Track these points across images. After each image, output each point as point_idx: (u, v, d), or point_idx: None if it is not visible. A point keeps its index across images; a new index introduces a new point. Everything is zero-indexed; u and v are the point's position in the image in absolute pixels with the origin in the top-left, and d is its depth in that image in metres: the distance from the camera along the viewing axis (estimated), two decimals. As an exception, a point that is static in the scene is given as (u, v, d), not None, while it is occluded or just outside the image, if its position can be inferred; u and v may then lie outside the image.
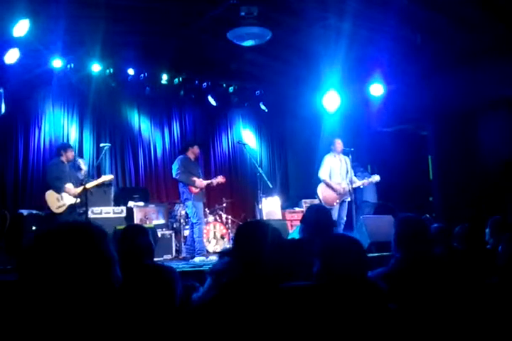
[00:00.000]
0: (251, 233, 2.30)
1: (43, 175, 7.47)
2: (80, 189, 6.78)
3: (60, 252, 1.33)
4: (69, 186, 6.81)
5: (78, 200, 6.81)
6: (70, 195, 6.77)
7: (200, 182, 7.52)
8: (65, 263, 1.32)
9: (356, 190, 8.05)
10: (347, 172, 7.90)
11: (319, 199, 7.84)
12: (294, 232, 6.83)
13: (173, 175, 7.51)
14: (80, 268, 1.33)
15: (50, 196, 6.76)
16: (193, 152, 7.71)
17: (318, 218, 3.69)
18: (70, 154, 7.00)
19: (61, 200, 6.74)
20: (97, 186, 7.48)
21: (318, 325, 2.02)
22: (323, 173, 7.86)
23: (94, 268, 1.36)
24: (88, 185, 6.89)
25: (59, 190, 6.76)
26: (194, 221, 7.38)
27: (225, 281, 2.16)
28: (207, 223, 8.31)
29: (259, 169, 7.51)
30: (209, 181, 7.72)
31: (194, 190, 7.42)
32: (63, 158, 6.96)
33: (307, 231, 3.59)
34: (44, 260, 1.32)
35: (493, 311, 2.33)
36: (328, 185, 7.79)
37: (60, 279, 1.30)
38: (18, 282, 1.35)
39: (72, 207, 6.81)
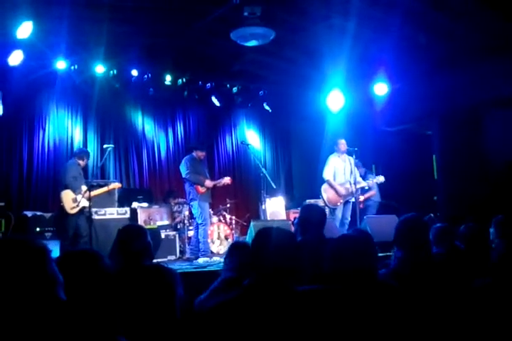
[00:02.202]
0: (268, 239, 2.27)
1: (61, 175, 7.43)
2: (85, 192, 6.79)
3: None
4: (84, 188, 6.85)
5: (89, 203, 6.83)
6: (83, 197, 6.80)
7: (209, 182, 7.50)
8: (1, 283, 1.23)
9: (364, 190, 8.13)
10: (351, 172, 7.89)
11: (323, 200, 7.83)
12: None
13: (183, 175, 7.45)
14: (17, 288, 1.23)
15: (67, 195, 6.77)
16: (197, 154, 7.67)
17: (319, 217, 3.66)
18: (85, 161, 7.19)
19: (76, 201, 6.75)
20: (101, 187, 7.52)
21: (335, 328, 2.01)
22: (327, 174, 7.85)
23: (33, 289, 1.25)
24: (95, 192, 6.91)
25: (76, 190, 6.79)
26: (199, 221, 7.31)
27: (241, 285, 2.14)
28: (211, 224, 8.28)
29: (263, 169, 7.49)
30: (216, 182, 7.69)
31: (201, 190, 7.37)
32: (80, 162, 7.03)
33: (307, 232, 3.55)
34: None
35: (492, 310, 2.31)
36: (331, 186, 7.78)
37: None
38: None
39: (81, 210, 6.83)
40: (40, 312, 1.24)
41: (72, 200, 6.75)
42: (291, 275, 2.12)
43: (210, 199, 7.71)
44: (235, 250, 3.33)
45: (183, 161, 7.60)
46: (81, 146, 9.27)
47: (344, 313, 2.07)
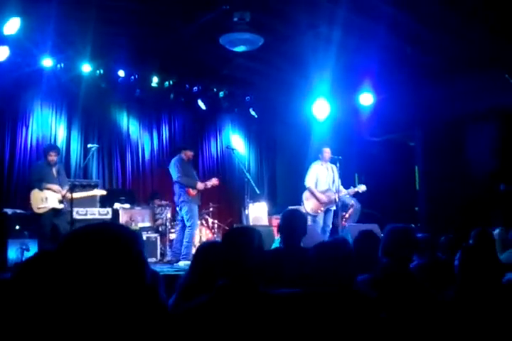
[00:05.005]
0: (239, 239, 2.29)
1: (28, 175, 7.39)
2: (67, 192, 6.70)
3: (90, 258, 1.24)
4: (54, 187, 6.75)
5: (62, 206, 6.75)
6: (56, 192, 6.71)
7: (201, 185, 7.40)
8: (95, 270, 1.23)
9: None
10: (333, 180, 7.93)
11: (304, 207, 7.85)
12: (276, 242, 6.77)
13: (175, 178, 7.28)
14: (112, 273, 1.25)
15: (35, 195, 6.70)
16: (185, 154, 7.54)
17: (295, 223, 3.62)
18: (50, 157, 6.85)
19: (45, 201, 6.65)
20: (83, 188, 7.45)
21: (306, 332, 2.03)
22: (308, 181, 7.88)
23: (127, 273, 1.27)
24: (76, 195, 6.82)
25: (43, 189, 6.71)
26: (188, 224, 7.17)
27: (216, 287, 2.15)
28: (193, 227, 8.21)
29: (247, 174, 7.48)
30: (205, 183, 7.55)
31: (192, 192, 7.27)
32: (49, 158, 6.90)
33: (285, 239, 3.54)
34: (72, 265, 1.23)
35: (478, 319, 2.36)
36: (312, 194, 7.81)
37: (90, 285, 1.22)
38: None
39: (55, 210, 6.75)
40: (130, 296, 1.25)
41: (40, 200, 6.65)
42: (260, 274, 2.14)
43: (199, 201, 7.62)
44: (200, 252, 3.28)
45: (172, 163, 7.42)
46: (64, 145, 9.20)
47: (315, 318, 2.09)
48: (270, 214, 9.64)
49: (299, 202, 8.16)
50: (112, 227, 1.34)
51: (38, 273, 1.34)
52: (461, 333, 2.37)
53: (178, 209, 7.52)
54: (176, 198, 7.43)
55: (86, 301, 1.22)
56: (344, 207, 8.72)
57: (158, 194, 9.45)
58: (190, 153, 7.61)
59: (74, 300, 1.22)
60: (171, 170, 7.41)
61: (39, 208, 6.65)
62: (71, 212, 6.58)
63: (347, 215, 8.90)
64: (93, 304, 1.22)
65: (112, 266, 1.24)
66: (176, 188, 7.37)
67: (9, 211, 7.07)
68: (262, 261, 2.22)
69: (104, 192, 7.53)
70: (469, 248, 2.88)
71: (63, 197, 6.73)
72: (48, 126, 9.26)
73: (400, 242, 2.82)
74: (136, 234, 1.34)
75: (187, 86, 10.10)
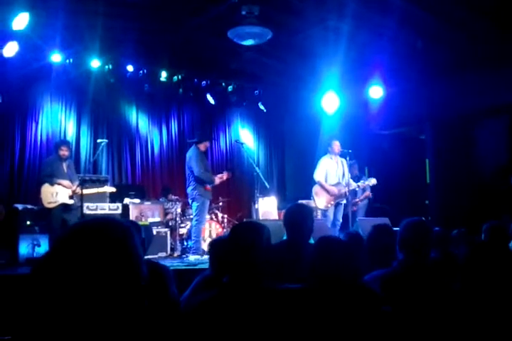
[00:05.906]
0: (245, 234, 2.29)
1: (38, 170, 7.43)
2: (78, 188, 6.72)
3: (85, 255, 1.23)
4: (64, 182, 6.77)
5: (72, 201, 6.77)
6: (67, 188, 6.75)
7: (217, 179, 7.31)
8: (90, 267, 1.22)
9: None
10: (343, 174, 7.89)
11: (314, 201, 7.83)
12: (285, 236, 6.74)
13: (196, 173, 7.04)
14: (107, 270, 1.24)
15: (45, 190, 6.74)
16: (205, 145, 7.41)
17: (298, 217, 3.60)
18: (62, 152, 6.88)
19: (55, 196, 6.69)
20: (93, 183, 7.48)
21: (308, 327, 2.03)
22: (318, 175, 7.84)
23: (122, 270, 1.26)
24: (87, 191, 6.86)
25: (55, 185, 6.74)
26: (196, 218, 7.11)
27: (222, 283, 2.15)
28: (202, 221, 8.18)
29: (257, 169, 7.43)
30: (219, 176, 7.44)
31: (208, 187, 7.20)
32: (61, 154, 6.93)
33: (290, 233, 3.54)
34: (67, 263, 1.23)
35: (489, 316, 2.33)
36: (322, 187, 7.78)
37: (85, 283, 1.22)
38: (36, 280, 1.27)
39: (65, 205, 6.78)
40: (125, 293, 1.24)
41: (50, 195, 6.70)
42: (264, 270, 2.13)
43: (211, 196, 7.53)
44: (211, 248, 3.32)
45: (192, 157, 7.17)
46: (74, 140, 9.23)
47: (319, 313, 2.09)
48: (280, 208, 9.60)
49: (309, 196, 8.13)
50: (105, 223, 1.32)
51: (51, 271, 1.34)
52: (473, 328, 2.35)
53: (190, 201, 7.37)
54: (190, 190, 7.21)
55: (80, 300, 1.22)
56: (361, 191, 8.70)
57: (170, 189, 9.45)
58: (208, 144, 7.56)
59: (68, 299, 1.22)
60: (191, 163, 7.16)
61: (49, 203, 6.69)
62: (81, 207, 6.61)
63: (359, 201, 8.82)
64: (88, 301, 1.22)
65: (103, 262, 1.24)
66: (193, 181, 7.15)
67: (20, 206, 7.11)
68: (268, 255, 2.22)
69: (113, 190, 7.56)
70: (480, 243, 2.85)
71: (73, 192, 6.77)
72: (57, 121, 9.30)
73: (418, 236, 2.78)
74: (130, 229, 1.33)
75: (195, 80, 10.08)
